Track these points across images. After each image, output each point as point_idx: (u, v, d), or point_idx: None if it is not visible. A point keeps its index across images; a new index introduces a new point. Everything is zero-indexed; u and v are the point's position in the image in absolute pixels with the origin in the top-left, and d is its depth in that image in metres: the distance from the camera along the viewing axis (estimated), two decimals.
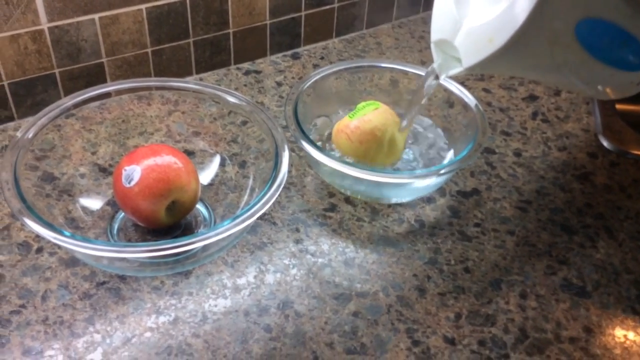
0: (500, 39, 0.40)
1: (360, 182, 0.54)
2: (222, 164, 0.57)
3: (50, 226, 0.42)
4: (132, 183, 0.48)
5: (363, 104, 0.57)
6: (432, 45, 0.49)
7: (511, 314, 0.48)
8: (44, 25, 0.58)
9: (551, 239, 0.55)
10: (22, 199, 0.44)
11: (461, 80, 0.66)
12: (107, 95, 0.56)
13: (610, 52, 0.44)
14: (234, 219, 0.44)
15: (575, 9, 0.40)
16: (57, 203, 0.53)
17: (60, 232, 0.42)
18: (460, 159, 0.53)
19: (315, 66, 0.75)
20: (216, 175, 0.56)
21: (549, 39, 0.41)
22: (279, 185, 0.47)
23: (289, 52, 0.77)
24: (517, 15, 0.39)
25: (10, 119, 0.61)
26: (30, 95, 0.61)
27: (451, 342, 0.46)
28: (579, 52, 0.42)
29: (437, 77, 0.51)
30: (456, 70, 0.48)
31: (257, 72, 0.74)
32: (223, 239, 0.44)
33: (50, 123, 0.52)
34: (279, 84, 0.72)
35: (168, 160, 0.49)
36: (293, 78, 0.73)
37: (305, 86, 0.59)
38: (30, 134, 0.50)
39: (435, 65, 0.50)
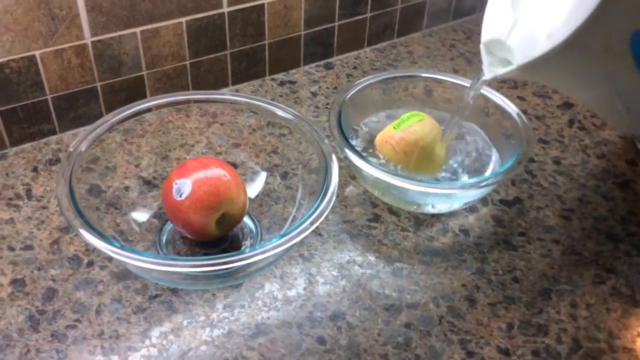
0: (559, 35, 0.40)
1: (406, 192, 0.54)
2: (265, 176, 0.57)
3: (108, 240, 0.43)
4: (183, 196, 0.48)
5: (407, 115, 0.58)
6: (482, 47, 0.49)
7: (563, 324, 0.48)
8: (88, 39, 0.58)
9: (597, 247, 0.55)
10: (80, 214, 0.44)
11: (496, 88, 0.66)
12: (150, 108, 0.57)
13: None
14: (289, 232, 0.44)
15: (635, 16, 0.40)
16: (105, 216, 0.53)
17: (120, 247, 0.42)
18: (507, 169, 0.53)
19: (349, 76, 0.76)
20: (260, 187, 0.56)
21: (604, 44, 0.41)
22: (330, 198, 0.47)
23: (322, 63, 0.77)
24: (580, 12, 0.39)
25: (53, 132, 0.62)
26: (73, 108, 0.62)
27: (505, 352, 0.46)
28: (629, 66, 0.42)
29: (483, 80, 0.51)
30: (507, 69, 0.47)
31: (292, 82, 0.74)
32: (275, 254, 0.44)
33: (101, 136, 0.52)
34: (314, 94, 0.72)
35: (217, 173, 0.50)
36: (327, 88, 0.73)
37: (349, 95, 0.59)
38: (82, 148, 0.50)
39: (484, 66, 0.50)
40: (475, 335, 0.47)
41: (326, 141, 0.53)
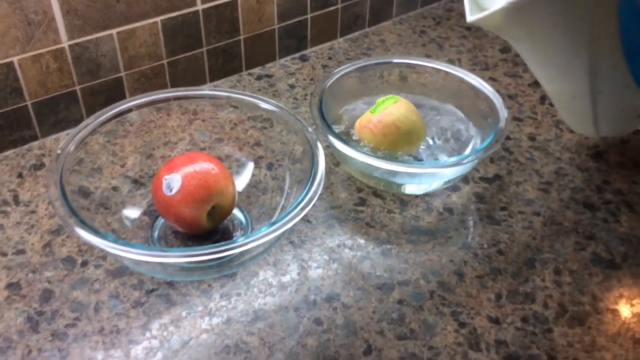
0: None
1: (390, 173, 0.55)
2: (250, 168, 0.58)
3: (104, 236, 0.43)
4: (174, 191, 0.49)
5: (382, 98, 0.59)
6: None
7: (548, 290, 0.50)
8: (65, 43, 0.59)
9: (576, 216, 0.57)
10: (74, 213, 0.44)
11: (469, 70, 0.68)
12: (131, 108, 0.57)
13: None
14: (282, 218, 0.46)
15: None
16: (95, 216, 0.53)
17: (118, 241, 0.43)
18: (488, 145, 0.54)
19: (324, 67, 0.77)
20: (247, 179, 0.57)
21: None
22: (319, 183, 0.48)
23: (297, 55, 0.78)
24: None
25: (34, 138, 0.62)
26: (53, 113, 0.62)
27: (495, 321, 0.48)
28: (613, 34, 0.42)
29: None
30: (493, 9, 0.42)
31: (269, 76, 0.75)
32: (270, 239, 0.45)
33: (85, 138, 0.53)
34: (292, 87, 0.73)
35: (206, 166, 0.50)
36: (304, 80, 0.74)
37: (329, 84, 0.60)
38: (69, 149, 0.50)
39: (466, 11, 0.46)
40: (465, 307, 0.49)
41: (310, 129, 0.54)
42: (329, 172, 0.61)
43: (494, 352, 0.46)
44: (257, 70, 0.76)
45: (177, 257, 0.43)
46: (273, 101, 0.57)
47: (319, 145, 0.52)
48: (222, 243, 0.43)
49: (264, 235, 0.44)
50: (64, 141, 0.51)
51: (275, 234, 0.44)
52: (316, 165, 0.50)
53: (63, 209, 0.45)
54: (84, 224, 0.44)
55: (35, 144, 0.62)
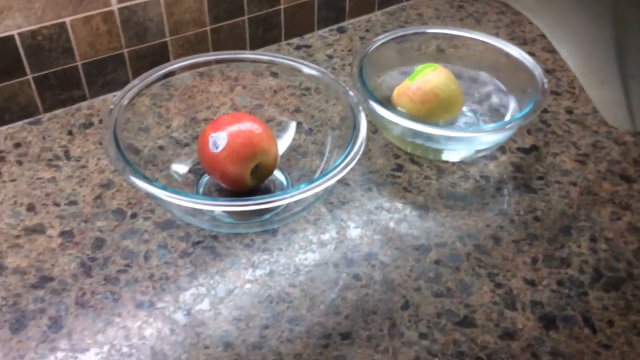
0: None
1: (430, 138, 0.56)
2: (291, 131, 0.60)
3: (159, 185, 0.45)
4: (220, 148, 0.51)
5: (421, 66, 0.60)
6: None
7: (584, 257, 0.51)
8: (114, 6, 0.60)
9: (612, 188, 0.57)
10: (129, 163, 0.46)
11: (508, 41, 0.68)
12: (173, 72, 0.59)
13: None
14: (323, 176, 0.47)
15: None
16: (144, 172, 0.55)
17: (172, 190, 0.45)
18: (527, 113, 0.55)
19: (362, 39, 0.78)
20: (289, 141, 0.59)
21: None
22: (360, 145, 0.50)
23: (335, 27, 0.79)
24: None
25: (83, 98, 0.64)
26: (101, 74, 0.64)
27: (531, 283, 0.49)
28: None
29: None
30: None
31: (307, 46, 0.76)
32: (311, 196, 0.47)
33: (133, 99, 0.54)
34: (330, 57, 0.74)
35: (250, 126, 0.52)
36: (342, 51, 0.75)
37: (369, 51, 0.61)
38: (122, 105, 0.52)
39: None
40: (502, 269, 0.50)
41: (351, 93, 0.55)
42: (366, 138, 0.62)
43: (529, 312, 0.47)
44: (295, 41, 0.77)
45: (226, 206, 0.45)
46: (315, 66, 0.58)
47: (361, 108, 0.53)
48: (268, 195, 0.45)
49: (307, 190, 0.45)
50: (117, 97, 0.53)
51: (318, 189, 0.46)
52: (357, 127, 0.52)
53: (119, 160, 0.47)
54: (139, 174, 0.46)
55: (84, 104, 0.64)
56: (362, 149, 0.50)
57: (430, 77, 0.58)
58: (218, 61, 0.59)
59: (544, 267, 0.50)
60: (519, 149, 0.61)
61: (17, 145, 0.59)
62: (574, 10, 0.42)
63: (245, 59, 0.60)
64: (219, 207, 0.45)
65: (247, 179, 0.52)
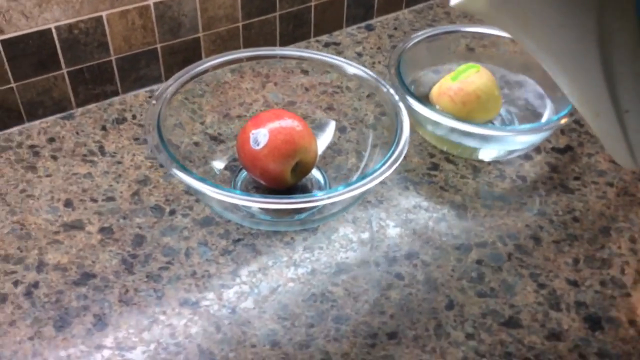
0: None
1: (467, 137, 0.56)
2: (331, 129, 0.59)
3: (204, 180, 0.45)
4: (261, 145, 0.50)
5: (464, 66, 0.60)
6: None
7: (625, 257, 0.51)
8: (150, 0, 0.60)
9: None
10: (174, 159, 0.46)
11: None
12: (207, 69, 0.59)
13: None
14: (371, 173, 0.47)
15: None
16: None
17: (217, 186, 0.45)
18: (564, 114, 0.55)
19: (390, 37, 0.77)
20: (329, 138, 0.59)
21: None
22: (404, 145, 0.49)
23: (363, 24, 0.79)
24: None
25: (115, 93, 0.64)
26: (134, 70, 0.63)
27: (574, 284, 0.49)
28: (633, 35, 0.32)
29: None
30: None
31: (336, 43, 0.76)
32: (357, 195, 0.46)
33: (175, 94, 0.54)
34: (360, 55, 0.74)
35: (291, 123, 0.52)
36: (372, 49, 0.75)
37: (407, 46, 0.61)
38: (167, 97, 0.52)
39: None
40: (544, 270, 0.50)
41: (392, 92, 0.55)
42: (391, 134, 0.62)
43: (574, 313, 0.46)
44: (324, 38, 0.77)
45: (273, 203, 0.44)
46: (356, 64, 0.58)
47: (402, 106, 0.53)
48: (312, 193, 0.45)
49: (354, 188, 0.45)
50: (158, 92, 0.53)
51: (363, 189, 0.45)
52: (400, 127, 0.51)
53: (163, 154, 0.46)
54: (184, 169, 0.46)
55: (116, 99, 0.64)
56: (406, 149, 0.49)
57: (474, 78, 0.58)
58: (264, 57, 0.59)
59: (586, 268, 0.50)
60: (553, 149, 0.61)
61: (51, 140, 0.58)
62: (551, 29, 0.36)
63: (303, 57, 0.59)
64: (267, 205, 0.44)
65: (288, 177, 0.52)
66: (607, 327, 0.46)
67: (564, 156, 0.60)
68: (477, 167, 0.59)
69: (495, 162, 0.59)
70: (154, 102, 0.51)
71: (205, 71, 0.58)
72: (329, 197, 0.44)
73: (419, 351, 0.44)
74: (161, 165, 0.56)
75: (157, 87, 0.66)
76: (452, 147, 0.59)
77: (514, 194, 0.56)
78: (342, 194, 0.44)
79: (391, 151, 0.49)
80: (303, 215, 0.51)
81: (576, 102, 0.41)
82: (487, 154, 0.59)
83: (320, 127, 0.60)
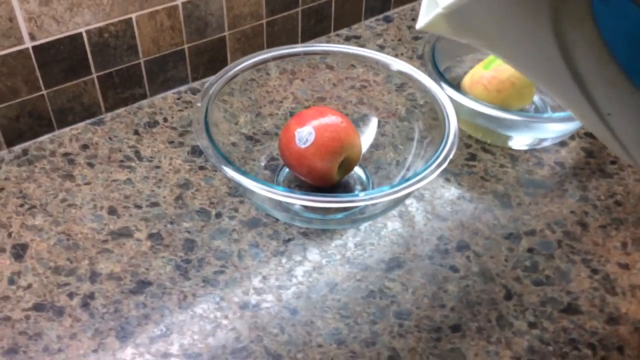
0: None
1: (505, 124, 0.56)
2: (376, 122, 0.59)
3: (262, 182, 0.45)
4: (308, 143, 0.50)
5: (493, 55, 0.60)
6: None
7: None
8: (179, 0, 0.59)
9: None
10: (226, 159, 0.46)
11: None
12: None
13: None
14: (423, 170, 0.46)
15: None
16: (214, 174, 0.55)
17: (274, 186, 0.44)
18: None
19: (409, 28, 0.77)
20: (373, 134, 0.58)
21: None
22: (452, 143, 0.49)
23: (381, 16, 0.79)
24: None
25: (144, 96, 0.63)
26: (162, 72, 0.62)
27: (626, 267, 0.49)
28: (595, 44, 0.32)
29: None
30: (432, 15, 0.35)
31: (357, 37, 0.75)
32: (408, 192, 0.46)
33: (221, 91, 0.53)
34: (382, 47, 0.74)
35: (335, 119, 0.51)
36: (392, 40, 0.75)
37: (439, 36, 0.61)
38: (211, 93, 0.52)
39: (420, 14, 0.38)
40: (595, 255, 0.50)
41: (438, 85, 0.55)
42: (430, 127, 0.62)
43: (630, 296, 0.47)
44: (344, 32, 0.76)
45: (331, 202, 0.44)
46: (404, 62, 0.57)
47: (445, 98, 0.53)
48: (375, 190, 0.45)
49: (414, 183, 0.45)
50: (204, 88, 0.52)
51: (418, 185, 0.45)
52: (448, 123, 0.51)
53: (216, 156, 0.46)
54: (238, 170, 0.45)
55: (144, 102, 0.63)
56: (455, 146, 0.49)
57: (506, 66, 0.58)
58: (306, 53, 0.58)
59: (635, 251, 0.50)
60: (586, 134, 0.61)
61: (85, 147, 0.57)
62: (515, 45, 0.37)
63: (328, 51, 0.59)
64: (331, 204, 0.44)
65: (334, 174, 0.51)
66: None
67: (598, 141, 0.61)
68: (514, 155, 0.59)
69: (531, 150, 0.60)
70: (198, 104, 0.50)
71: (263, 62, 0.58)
72: (386, 194, 0.44)
73: (484, 343, 0.44)
74: (201, 168, 0.56)
75: (185, 89, 0.65)
76: (486, 135, 0.59)
77: (554, 180, 0.57)
78: (399, 190, 0.44)
79: (439, 150, 0.48)
80: (344, 214, 0.51)
81: (563, 105, 0.41)
82: (519, 141, 0.59)
83: (355, 122, 0.60)
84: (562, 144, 0.60)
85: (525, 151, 0.60)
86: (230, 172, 0.45)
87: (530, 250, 0.50)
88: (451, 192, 0.55)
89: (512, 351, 0.43)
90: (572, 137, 0.61)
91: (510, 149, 0.60)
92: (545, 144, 0.60)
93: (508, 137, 0.59)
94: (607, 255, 0.50)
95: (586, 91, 0.36)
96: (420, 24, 0.36)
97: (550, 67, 0.35)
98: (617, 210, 0.54)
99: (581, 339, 0.44)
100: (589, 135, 0.61)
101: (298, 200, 0.44)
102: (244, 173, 0.45)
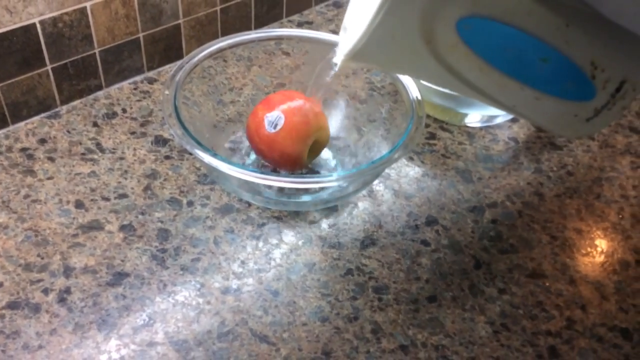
0: (350, 42, 0.37)
1: (458, 102, 0.59)
2: (340, 108, 0.60)
3: (243, 167, 0.45)
4: (278, 128, 0.50)
5: None
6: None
7: (619, 203, 0.55)
8: None
9: (625, 140, 0.62)
10: (197, 142, 0.46)
11: None
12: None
13: (522, 66, 0.38)
14: (393, 150, 0.48)
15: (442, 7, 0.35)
16: (181, 163, 0.55)
17: (250, 169, 0.44)
18: None
19: None
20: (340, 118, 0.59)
21: (422, 36, 0.36)
22: (420, 123, 0.50)
23: (331, 2, 0.80)
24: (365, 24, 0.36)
25: (99, 87, 0.61)
26: (117, 61, 0.61)
27: (581, 232, 0.52)
28: (473, 59, 0.38)
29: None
30: (340, 60, 0.42)
31: (309, 22, 0.76)
32: (374, 173, 0.47)
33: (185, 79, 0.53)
34: (334, 32, 0.74)
35: (303, 103, 0.52)
36: None
37: None
38: (177, 80, 0.51)
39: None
40: (553, 222, 0.53)
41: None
42: (391, 109, 0.64)
43: (588, 259, 0.50)
44: (296, 18, 0.76)
45: (314, 183, 0.45)
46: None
47: (409, 81, 0.54)
48: (352, 170, 0.46)
49: (384, 162, 0.46)
50: (166, 82, 0.51)
51: (390, 163, 0.47)
52: (412, 101, 0.52)
53: (187, 140, 0.46)
54: (216, 155, 0.45)
55: (100, 93, 0.61)
56: (422, 128, 0.50)
57: None
58: (261, 39, 0.58)
59: (588, 217, 0.54)
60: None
61: (42, 141, 0.56)
62: (413, 74, 0.49)
63: (283, 36, 0.59)
64: (308, 185, 0.44)
65: (304, 157, 0.52)
66: (620, 269, 0.50)
67: None
68: (470, 133, 0.62)
69: (486, 127, 0.62)
70: (166, 92, 0.50)
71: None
72: (359, 174, 0.45)
73: (460, 310, 0.46)
74: (167, 158, 0.55)
75: (140, 79, 0.64)
76: (443, 113, 0.62)
77: (509, 155, 0.59)
78: (373, 169, 0.45)
79: (406, 132, 0.50)
80: (316, 195, 0.52)
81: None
82: (473, 118, 0.62)
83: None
84: (514, 120, 0.63)
85: (481, 128, 0.62)
86: (210, 159, 0.45)
87: (493, 221, 0.53)
88: (415, 170, 0.57)
89: (485, 316, 0.46)
90: None
91: (466, 126, 0.62)
92: (498, 120, 0.63)
93: (464, 115, 0.62)
94: (563, 222, 0.53)
95: (486, 94, 0.41)
96: (336, 67, 0.45)
97: (447, 82, 0.41)
98: (569, 179, 0.57)
99: (547, 301, 0.47)
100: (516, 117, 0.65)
101: (278, 183, 0.44)
102: (225, 160, 0.45)
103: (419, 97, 0.52)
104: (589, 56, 0.39)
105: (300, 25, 0.76)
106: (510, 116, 0.63)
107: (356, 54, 0.38)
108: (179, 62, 0.54)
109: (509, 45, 0.38)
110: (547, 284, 0.48)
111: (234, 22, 0.70)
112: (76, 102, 0.60)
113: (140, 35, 0.62)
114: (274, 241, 0.49)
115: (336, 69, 0.45)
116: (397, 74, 0.54)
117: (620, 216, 0.54)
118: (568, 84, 0.40)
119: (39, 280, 0.45)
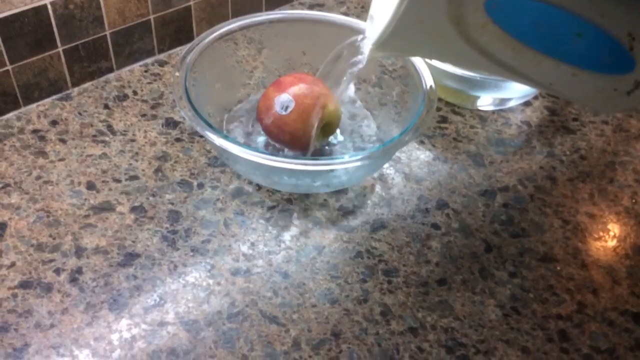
0: (379, 27, 0.37)
1: (471, 85, 0.58)
2: (352, 88, 0.59)
3: (250, 148, 0.45)
4: (289, 110, 0.50)
5: None
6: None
7: (632, 188, 0.55)
8: None
9: (639, 124, 0.61)
10: (208, 124, 0.46)
11: None
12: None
13: (556, 42, 0.37)
14: (403, 132, 0.47)
15: None
16: (192, 146, 0.55)
17: (264, 152, 0.44)
18: None
19: None
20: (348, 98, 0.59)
21: (450, 18, 0.36)
22: (430, 103, 0.50)
23: None
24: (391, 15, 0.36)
25: (110, 70, 0.61)
26: (128, 44, 0.61)
27: (593, 216, 0.52)
28: (502, 35, 0.37)
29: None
30: (368, 47, 0.43)
31: (320, 5, 0.75)
32: (386, 156, 0.47)
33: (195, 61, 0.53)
34: (346, 15, 0.74)
35: (314, 86, 0.52)
36: (356, 8, 0.75)
37: None
38: (188, 63, 0.51)
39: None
40: (565, 207, 0.53)
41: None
42: (403, 92, 0.63)
43: (599, 243, 0.50)
44: (307, 0, 0.76)
45: (326, 165, 0.45)
46: (356, 20, 0.58)
47: (422, 61, 0.54)
48: (355, 153, 0.45)
49: (388, 148, 0.46)
50: (177, 65, 0.51)
51: (401, 146, 0.46)
52: (424, 82, 0.52)
53: (197, 121, 0.46)
54: (219, 133, 0.45)
55: (111, 75, 0.61)
56: (434, 111, 0.50)
57: None
58: (272, 21, 0.58)
59: (601, 202, 0.53)
60: (549, 94, 0.64)
61: (54, 122, 0.56)
62: (443, 56, 0.46)
63: (295, 18, 0.59)
64: (313, 167, 0.45)
65: (315, 140, 0.52)
66: (632, 254, 0.49)
67: (560, 99, 0.63)
68: (482, 116, 0.61)
69: (498, 111, 0.62)
70: (177, 73, 0.50)
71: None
72: (371, 156, 0.45)
73: (470, 294, 0.46)
74: (177, 140, 0.55)
75: (151, 61, 0.64)
76: (455, 96, 0.61)
77: (521, 139, 0.59)
78: (384, 152, 0.45)
79: (418, 114, 0.49)
80: (326, 178, 0.51)
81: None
82: (485, 101, 0.61)
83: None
84: (527, 103, 0.63)
85: (493, 112, 0.62)
86: (220, 141, 0.45)
87: (505, 205, 0.52)
88: (426, 154, 0.57)
89: (496, 300, 0.46)
90: (535, 97, 0.63)
91: (478, 110, 0.62)
92: (510, 104, 0.62)
93: (476, 98, 0.61)
94: (576, 206, 0.53)
95: (520, 74, 0.40)
96: (365, 58, 0.45)
97: (479, 64, 0.40)
98: (582, 164, 0.57)
99: (558, 284, 0.47)
100: (550, 94, 0.64)
101: (289, 165, 0.44)
102: (236, 142, 0.45)
103: (431, 81, 0.52)
104: (625, 27, 0.37)
105: (311, 7, 0.75)
106: (522, 100, 0.62)
107: (385, 42, 0.38)
108: (189, 45, 0.54)
109: (540, 21, 0.37)
110: (559, 268, 0.48)
111: (245, 4, 0.69)
112: (87, 84, 0.60)
113: (151, 17, 0.61)
114: (284, 224, 0.49)
115: (364, 60, 0.45)
116: (415, 58, 0.53)
117: (634, 201, 0.53)
118: (605, 57, 0.38)
119: (51, 260, 0.45)
